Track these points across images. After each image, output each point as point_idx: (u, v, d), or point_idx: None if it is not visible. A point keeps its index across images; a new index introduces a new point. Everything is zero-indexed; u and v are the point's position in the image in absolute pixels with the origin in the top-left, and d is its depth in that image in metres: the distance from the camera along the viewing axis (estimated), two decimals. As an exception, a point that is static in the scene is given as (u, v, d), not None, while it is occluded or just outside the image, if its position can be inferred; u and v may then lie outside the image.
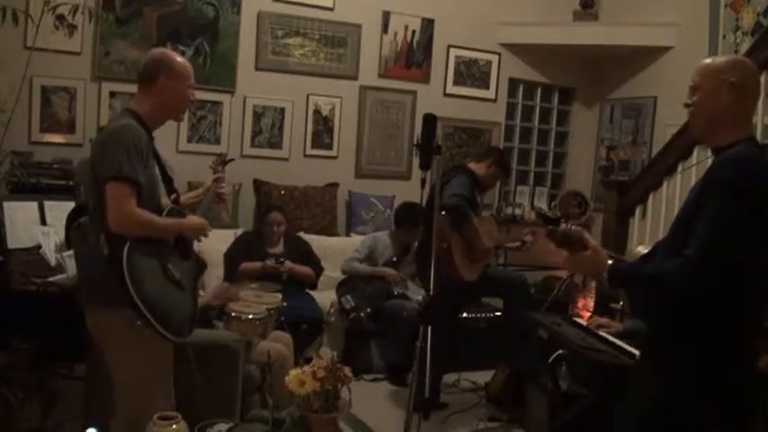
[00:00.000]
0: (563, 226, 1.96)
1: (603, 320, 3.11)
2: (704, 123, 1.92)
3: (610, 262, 1.90)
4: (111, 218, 2.14)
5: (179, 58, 2.42)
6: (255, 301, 3.31)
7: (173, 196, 2.48)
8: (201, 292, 3.28)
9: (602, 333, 2.91)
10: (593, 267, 1.93)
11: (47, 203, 3.60)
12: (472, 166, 4.08)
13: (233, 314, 3.12)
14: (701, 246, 1.71)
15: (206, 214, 2.59)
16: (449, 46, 5.80)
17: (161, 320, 2.17)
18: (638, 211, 4.35)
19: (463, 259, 3.81)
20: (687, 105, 1.94)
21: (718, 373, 1.78)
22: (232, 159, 2.87)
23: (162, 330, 2.17)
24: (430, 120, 2.50)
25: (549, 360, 2.87)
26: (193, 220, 2.45)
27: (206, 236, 2.49)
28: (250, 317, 3.13)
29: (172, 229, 2.34)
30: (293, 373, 2.06)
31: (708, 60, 1.94)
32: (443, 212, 3.70)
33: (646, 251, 2.11)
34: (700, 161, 3.77)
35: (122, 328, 2.17)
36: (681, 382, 1.81)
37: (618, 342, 2.82)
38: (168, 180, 2.49)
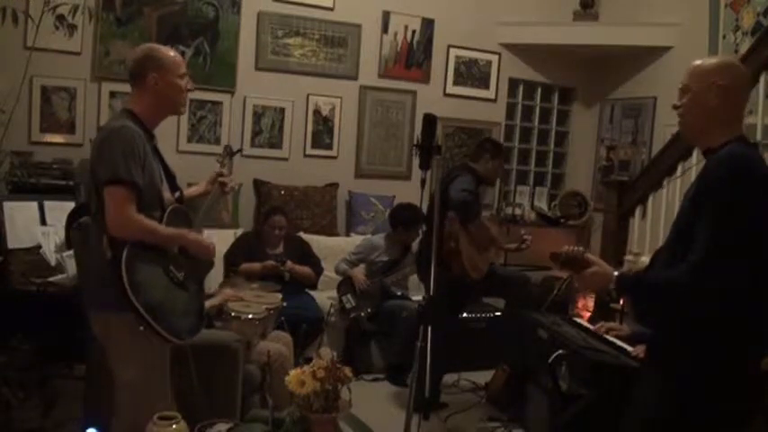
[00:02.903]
0: (565, 248, 1.96)
1: (611, 324, 3.10)
2: (692, 125, 1.92)
3: (615, 273, 1.90)
4: (110, 222, 2.13)
5: (166, 51, 2.36)
6: (255, 301, 3.31)
7: (176, 194, 2.47)
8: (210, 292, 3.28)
9: (607, 336, 2.91)
10: (601, 282, 1.93)
11: (47, 203, 3.60)
12: (472, 165, 4.09)
13: (233, 314, 3.12)
14: (704, 248, 1.70)
15: (209, 213, 2.55)
16: (449, 46, 5.80)
17: (163, 324, 2.16)
18: (638, 211, 4.35)
19: (471, 258, 3.82)
20: (676, 107, 1.93)
21: (723, 374, 1.78)
22: (239, 151, 2.81)
23: (165, 335, 2.16)
24: (430, 120, 2.49)
25: (549, 360, 2.87)
26: (198, 237, 2.40)
27: (211, 257, 2.44)
28: (250, 317, 3.13)
29: (172, 240, 2.29)
30: (293, 373, 2.06)
31: (698, 62, 1.93)
32: (451, 210, 3.70)
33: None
34: (700, 162, 3.77)
35: (124, 331, 2.17)
36: (685, 384, 1.81)
37: (618, 342, 2.82)
38: (171, 177, 2.47)
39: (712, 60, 1.94)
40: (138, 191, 2.16)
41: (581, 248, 1.96)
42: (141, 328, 2.13)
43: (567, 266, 1.94)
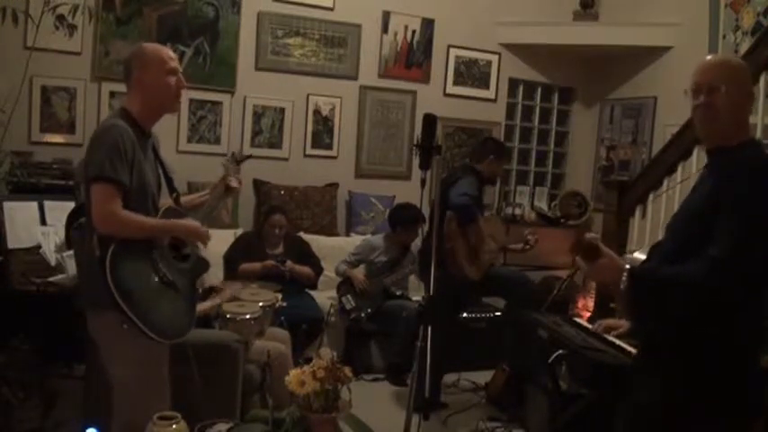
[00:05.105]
0: (588, 235, 1.93)
1: (610, 322, 3.08)
2: (724, 125, 1.87)
3: (627, 267, 1.86)
4: (95, 218, 2.12)
5: (153, 48, 2.31)
6: (250, 300, 3.31)
7: (173, 195, 2.46)
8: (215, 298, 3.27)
9: (607, 336, 2.90)
10: (611, 274, 1.85)
11: (47, 203, 3.60)
12: (476, 166, 4.08)
13: (228, 316, 3.11)
14: (729, 247, 1.69)
15: (209, 217, 2.53)
16: (449, 46, 5.80)
17: (147, 323, 2.14)
18: (638, 211, 4.34)
19: (467, 258, 3.82)
20: (707, 104, 1.86)
21: (723, 373, 1.78)
22: (249, 156, 2.76)
23: (148, 332, 2.14)
24: (430, 120, 2.49)
25: (549, 360, 2.87)
26: (188, 223, 2.36)
27: (205, 242, 2.40)
28: (247, 317, 3.13)
29: (160, 230, 2.26)
30: (293, 373, 2.06)
31: (721, 59, 1.92)
32: (450, 212, 3.71)
33: (644, 256, 2.09)
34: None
35: (114, 330, 2.15)
36: (685, 384, 1.80)
37: (618, 342, 2.81)
38: (168, 179, 2.46)
39: (736, 59, 1.94)
40: (123, 189, 2.14)
41: (597, 236, 1.94)
42: (125, 326, 2.11)
43: (584, 255, 1.89)
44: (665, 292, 1.81)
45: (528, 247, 4.15)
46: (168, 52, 2.33)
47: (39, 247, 3.38)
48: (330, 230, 5.31)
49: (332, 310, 4.42)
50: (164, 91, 2.30)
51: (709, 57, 1.97)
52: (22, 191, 3.84)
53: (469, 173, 4.01)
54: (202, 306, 3.23)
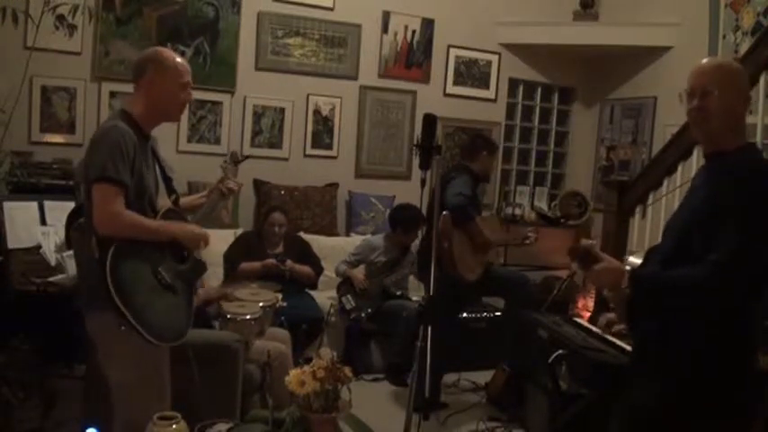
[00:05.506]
0: (584, 242, 1.93)
1: (613, 315, 3.07)
2: (719, 130, 1.86)
3: (627, 269, 1.86)
4: (97, 219, 2.12)
5: (171, 56, 2.31)
6: (250, 300, 3.30)
7: (172, 197, 2.45)
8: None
9: (607, 336, 2.90)
10: (612, 278, 1.86)
11: (47, 203, 3.61)
12: (469, 164, 4.09)
13: (228, 316, 3.11)
14: (731, 251, 1.69)
15: (208, 217, 2.53)
16: (449, 46, 5.80)
17: (144, 325, 2.13)
18: (638, 211, 4.34)
19: (464, 259, 3.82)
20: (697, 110, 1.87)
21: (721, 376, 1.78)
22: (247, 157, 2.75)
23: (146, 335, 2.14)
24: (430, 119, 2.49)
25: (549, 360, 2.87)
26: (188, 227, 2.36)
27: (204, 246, 2.39)
28: (247, 317, 3.13)
29: (161, 233, 2.25)
30: (293, 373, 2.06)
31: (715, 63, 1.91)
32: (446, 212, 3.71)
33: (640, 260, 2.09)
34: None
35: (112, 331, 2.15)
36: (684, 386, 1.80)
37: (618, 342, 2.82)
38: (167, 180, 2.46)
39: (732, 63, 1.93)
40: (125, 190, 2.14)
41: (593, 242, 1.95)
42: (122, 327, 2.11)
43: (581, 261, 1.89)
44: (666, 295, 1.81)
45: (527, 242, 4.15)
46: (185, 65, 2.34)
47: (39, 247, 3.38)
48: (330, 230, 5.30)
49: (332, 310, 4.41)
50: (172, 101, 2.31)
51: (704, 60, 1.96)
52: (22, 191, 3.84)
53: (464, 172, 4.01)
54: (211, 290, 3.24)
